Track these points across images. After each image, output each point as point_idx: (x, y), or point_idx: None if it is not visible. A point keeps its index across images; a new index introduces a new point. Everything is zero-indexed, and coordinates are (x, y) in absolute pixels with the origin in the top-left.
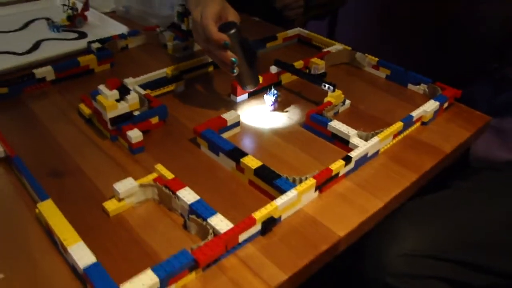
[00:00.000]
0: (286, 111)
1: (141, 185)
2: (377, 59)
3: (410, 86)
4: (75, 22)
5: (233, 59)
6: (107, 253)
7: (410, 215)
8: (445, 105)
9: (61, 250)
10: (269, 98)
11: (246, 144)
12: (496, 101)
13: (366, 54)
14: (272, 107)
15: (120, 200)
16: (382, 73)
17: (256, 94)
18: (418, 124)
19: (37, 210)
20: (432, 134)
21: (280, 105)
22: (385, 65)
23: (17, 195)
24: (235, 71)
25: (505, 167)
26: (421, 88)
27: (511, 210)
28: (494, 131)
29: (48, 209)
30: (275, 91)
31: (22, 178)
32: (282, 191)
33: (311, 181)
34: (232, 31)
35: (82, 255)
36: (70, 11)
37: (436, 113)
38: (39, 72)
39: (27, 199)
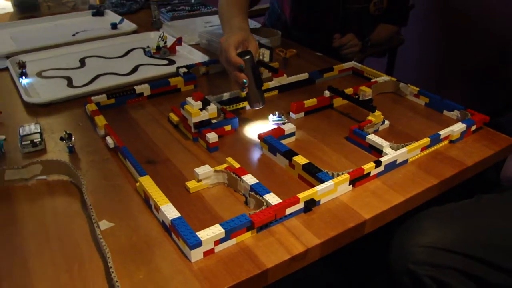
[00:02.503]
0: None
1: (215, 171)
2: (417, 88)
3: (445, 112)
4: (160, 51)
5: (244, 80)
6: (186, 216)
7: (435, 215)
8: (473, 127)
9: (153, 211)
10: (272, 117)
11: (299, 149)
12: None
13: (408, 84)
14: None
15: (198, 181)
16: (421, 101)
17: (311, 113)
18: (446, 142)
19: (137, 184)
20: (457, 151)
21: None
22: (424, 94)
23: (122, 174)
24: (244, 90)
25: None
26: (455, 114)
27: None
28: None
29: (146, 182)
30: (281, 115)
31: (126, 162)
32: (322, 182)
33: (345, 176)
34: (247, 57)
35: (170, 212)
36: (161, 42)
37: (464, 133)
38: (138, 88)
39: (129, 177)
